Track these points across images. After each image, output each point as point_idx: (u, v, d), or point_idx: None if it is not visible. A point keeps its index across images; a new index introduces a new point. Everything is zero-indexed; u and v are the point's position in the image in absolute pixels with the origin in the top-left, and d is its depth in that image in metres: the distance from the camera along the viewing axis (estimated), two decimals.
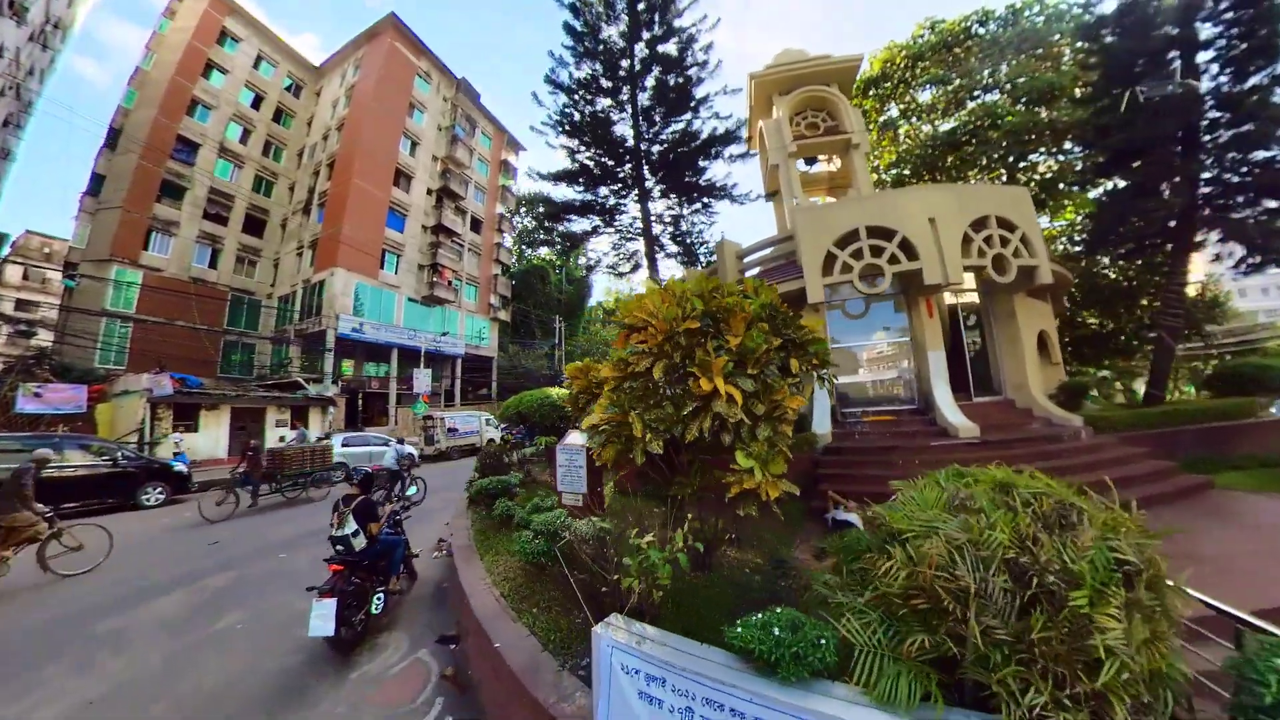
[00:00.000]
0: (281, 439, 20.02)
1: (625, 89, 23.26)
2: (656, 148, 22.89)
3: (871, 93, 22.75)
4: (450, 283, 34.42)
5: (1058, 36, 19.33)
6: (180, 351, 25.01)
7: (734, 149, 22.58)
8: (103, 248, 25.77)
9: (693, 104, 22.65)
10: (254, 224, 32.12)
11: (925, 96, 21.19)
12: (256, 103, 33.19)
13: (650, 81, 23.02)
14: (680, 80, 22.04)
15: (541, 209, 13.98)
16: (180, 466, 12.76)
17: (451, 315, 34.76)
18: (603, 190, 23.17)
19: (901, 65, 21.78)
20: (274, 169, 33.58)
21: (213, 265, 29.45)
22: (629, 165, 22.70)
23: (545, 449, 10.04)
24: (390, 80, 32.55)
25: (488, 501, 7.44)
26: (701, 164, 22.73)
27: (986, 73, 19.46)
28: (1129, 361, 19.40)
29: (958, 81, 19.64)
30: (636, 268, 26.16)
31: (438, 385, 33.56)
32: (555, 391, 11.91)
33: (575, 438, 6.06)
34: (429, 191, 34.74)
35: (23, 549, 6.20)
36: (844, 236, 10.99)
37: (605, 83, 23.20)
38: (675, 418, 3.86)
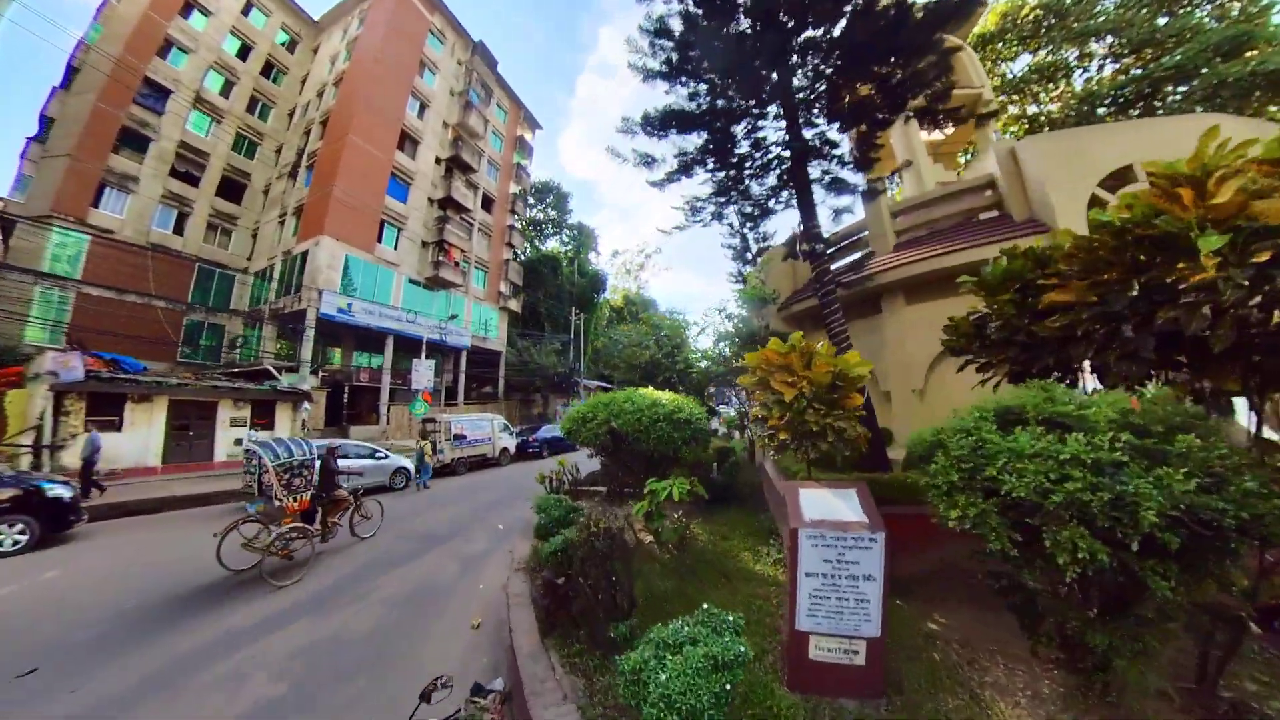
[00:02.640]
0: (238, 443, 15.60)
1: None
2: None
3: (985, 50, 18.79)
4: (458, 264, 30.10)
5: None
6: (134, 329, 20.59)
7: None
8: (43, 202, 21.37)
9: None
10: (232, 188, 27.76)
11: (1099, 46, 16.68)
12: (244, 53, 28.90)
13: None
14: None
15: (642, 122, 8.75)
16: (58, 490, 8.34)
17: (458, 301, 30.42)
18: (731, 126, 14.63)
19: (1032, 16, 17.70)
20: (259, 129, 29.26)
21: (178, 230, 25.02)
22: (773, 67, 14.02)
23: (665, 504, 5.81)
24: (399, 33, 28.37)
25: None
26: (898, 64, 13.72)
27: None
28: None
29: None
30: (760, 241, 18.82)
31: (438, 381, 29.17)
32: (666, 397, 7.62)
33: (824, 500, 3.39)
34: (437, 161, 30.49)
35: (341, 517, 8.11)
36: (1111, 176, 8.25)
37: None
38: None
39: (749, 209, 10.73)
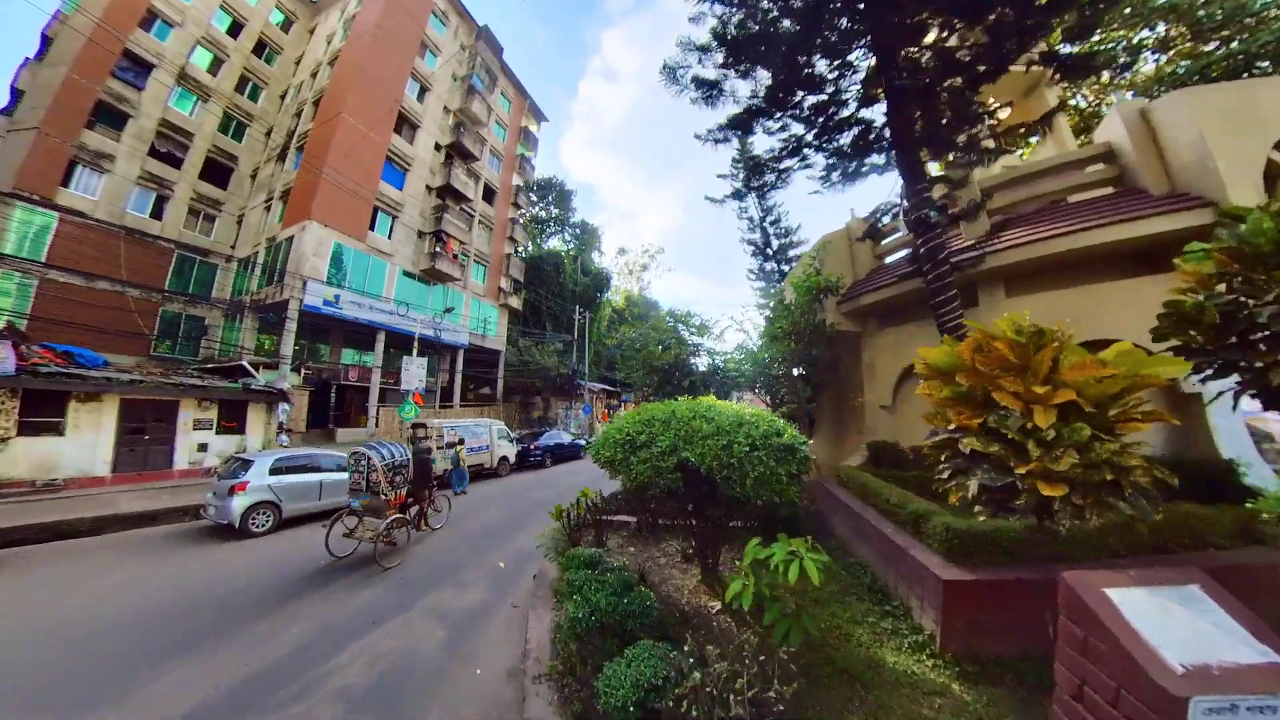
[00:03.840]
0: (203, 448, 13.88)
1: None
2: None
3: None
4: (456, 256, 28.41)
5: None
6: (103, 319, 18.90)
7: None
8: (7, 177, 19.69)
9: None
10: (218, 171, 26.07)
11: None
12: (235, 30, 27.24)
13: None
14: None
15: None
16: None
17: (455, 297, 28.72)
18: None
19: None
20: (249, 110, 27.58)
21: (157, 215, 23.31)
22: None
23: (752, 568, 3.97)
24: (400, 10, 26.72)
25: None
26: None
27: None
28: None
29: None
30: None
31: (432, 381, 27.47)
32: (748, 411, 5.73)
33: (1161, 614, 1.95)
34: (437, 147, 28.83)
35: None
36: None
37: None
38: None
39: (827, 171, 8.99)
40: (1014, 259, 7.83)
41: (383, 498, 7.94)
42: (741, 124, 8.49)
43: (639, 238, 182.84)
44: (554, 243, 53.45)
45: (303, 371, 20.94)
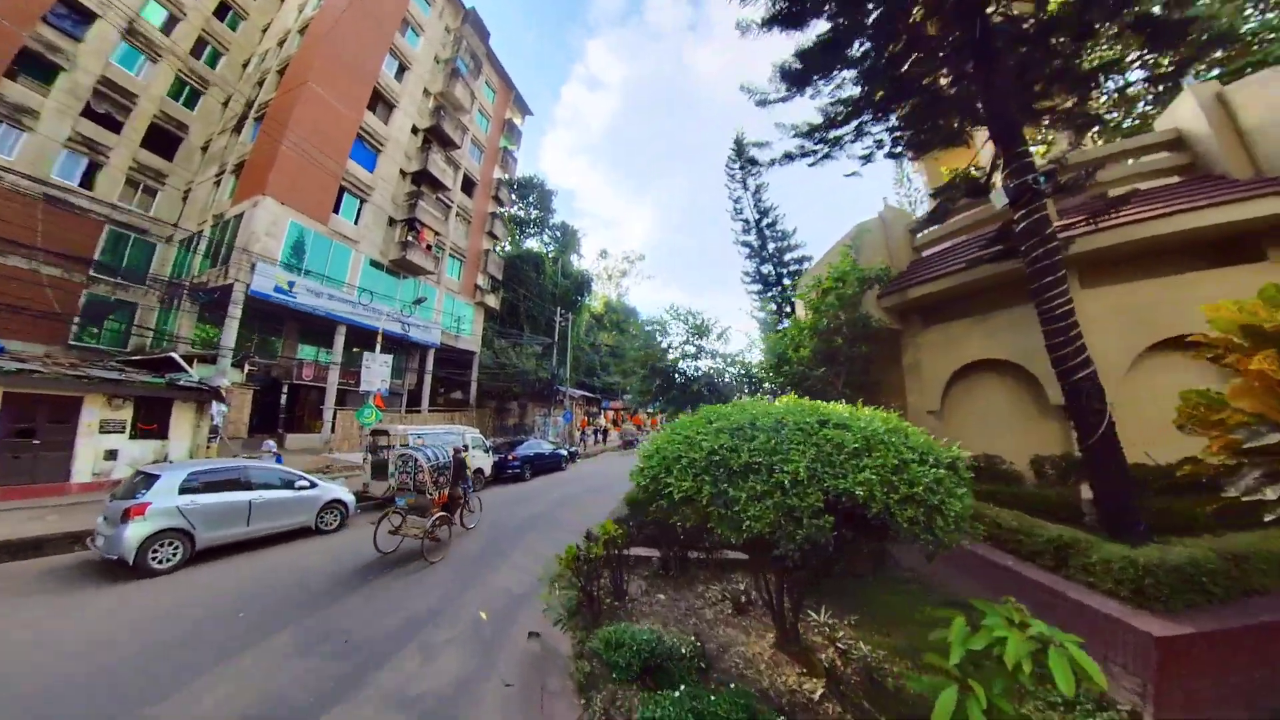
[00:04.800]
0: (111, 455, 11.64)
1: None
2: None
3: None
4: (430, 247, 26.37)
5: None
6: (8, 297, 16.21)
7: None
8: None
9: None
10: (164, 140, 23.42)
11: None
12: None
13: None
14: None
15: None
16: None
17: (428, 291, 26.65)
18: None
19: None
20: (205, 76, 25.01)
21: (87, 183, 20.61)
22: None
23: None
24: None
25: None
26: None
27: None
28: None
29: None
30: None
31: (398, 383, 25.26)
32: (880, 417, 4.23)
33: None
34: (414, 130, 26.84)
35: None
36: None
37: None
38: None
39: (892, 140, 8.14)
40: (1102, 243, 7.16)
41: (428, 496, 8.40)
42: (807, 67, 7.45)
43: (618, 247, 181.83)
44: (533, 244, 51.59)
45: (247, 368, 18.59)
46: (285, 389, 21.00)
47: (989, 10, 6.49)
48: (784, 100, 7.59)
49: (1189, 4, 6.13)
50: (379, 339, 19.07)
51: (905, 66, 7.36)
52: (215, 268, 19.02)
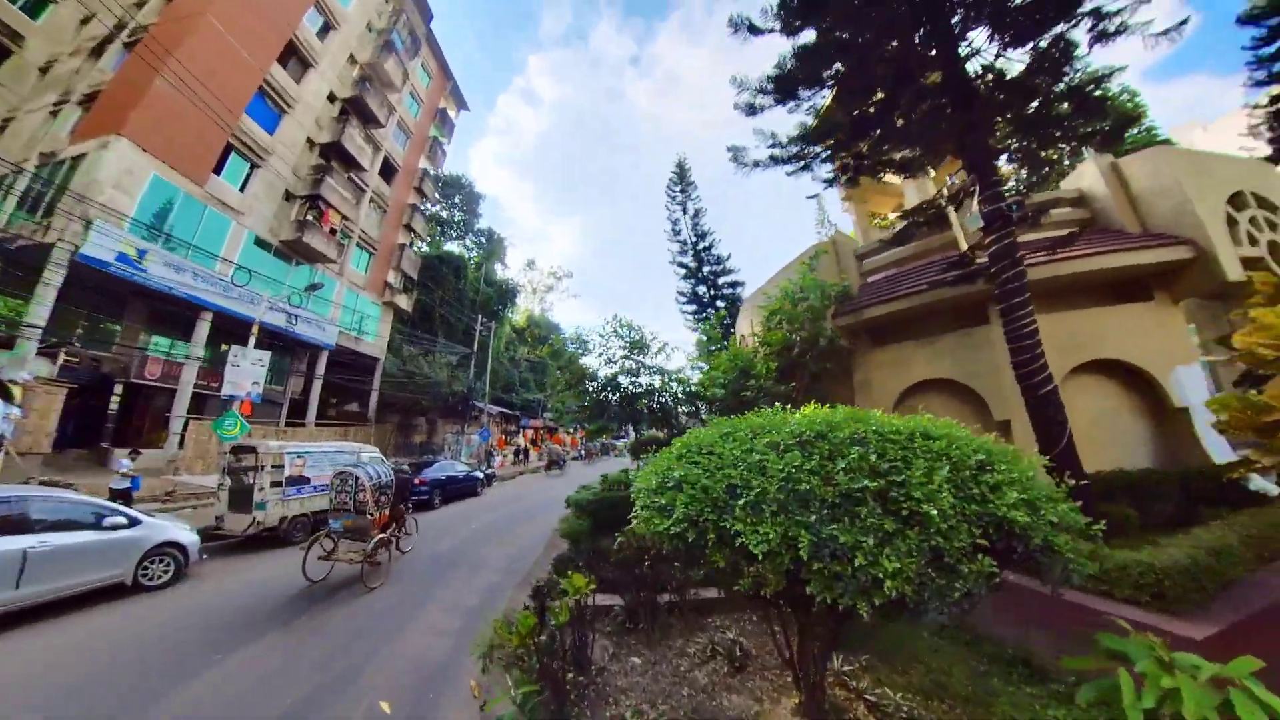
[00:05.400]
0: None
1: None
2: None
3: None
4: (334, 232, 22.72)
5: None
6: None
7: None
8: None
9: None
10: None
11: None
12: None
13: None
14: None
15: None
16: None
17: (327, 283, 22.87)
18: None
19: None
20: None
21: None
22: None
23: None
24: None
25: None
26: None
27: None
28: None
29: None
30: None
31: (278, 390, 21.03)
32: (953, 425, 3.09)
33: None
34: (332, 98, 23.32)
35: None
36: (1232, 199, 8.58)
37: None
38: None
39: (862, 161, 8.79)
40: (1035, 276, 7.98)
41: (369, 518, 7.98)
42: (792, 78, 7.89)
43: (544, 262, 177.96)
44: (454, 247, 47.92)
45: (62, 358, 14.12)
46: (119, 389, 16.27)
47: (968, 64, 7.38)
48: (768, 109, 8.21)
49: (1104, 81, 7.04)
50: (254, 332, 15.47)
51: (894, 112, 8.06)
52: (34, 220, 14.40)
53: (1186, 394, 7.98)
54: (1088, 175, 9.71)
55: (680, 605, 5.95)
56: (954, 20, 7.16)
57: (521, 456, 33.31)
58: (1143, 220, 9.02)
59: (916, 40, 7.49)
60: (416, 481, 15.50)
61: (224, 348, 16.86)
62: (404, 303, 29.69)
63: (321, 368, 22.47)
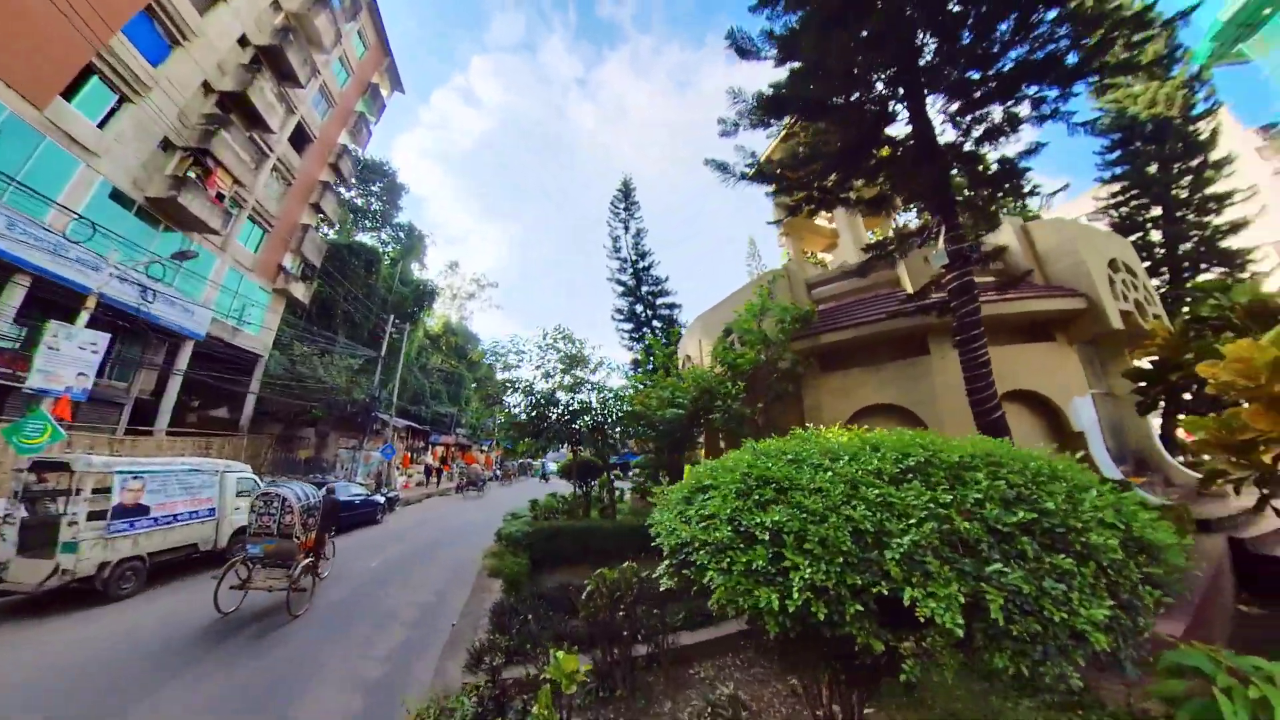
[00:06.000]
0: None
1: None
2: None
3: None
4: (221, 198, 18.79)
5: None
6: None
7: None
8: None
9: None
10: None
11: None
12: None
13: None
14: None
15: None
16: None
17: (205, 258, 18.74)
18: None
19: None
20: None
21: None
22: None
23: None
24: None
25: None
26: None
27: None
28: None
29: None
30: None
31: (119, 385, 16.52)
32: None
33: None
34: (243, 43, 19.59)
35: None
36: (1110, 263, 10.35)
37: None
38: None
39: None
40: (989, 314, 8.88)
41: (295, 541, 7.74)
42: (776, 104, 8.57)
43: (467, 268, 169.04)
44: (368, 239, 43.11)
45: None
46: None
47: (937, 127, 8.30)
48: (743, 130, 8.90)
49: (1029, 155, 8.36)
50: (89, 306, 11.77)
51: (865, 160, 8.97)
52: None
53: (1082, 420, 9.21)
54: (1005, 233, 11.14)
55: (660, 657, 5.15)
56: (925, 96, 8.20)
57: (430, 476, 29.67)
58: (1045, 275, 10.52)
59: (889, 108, 8.50)
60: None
61: (37, 319, 12.67)
62: (301, 292, 25.41)
63: (184, 361, 18.08)
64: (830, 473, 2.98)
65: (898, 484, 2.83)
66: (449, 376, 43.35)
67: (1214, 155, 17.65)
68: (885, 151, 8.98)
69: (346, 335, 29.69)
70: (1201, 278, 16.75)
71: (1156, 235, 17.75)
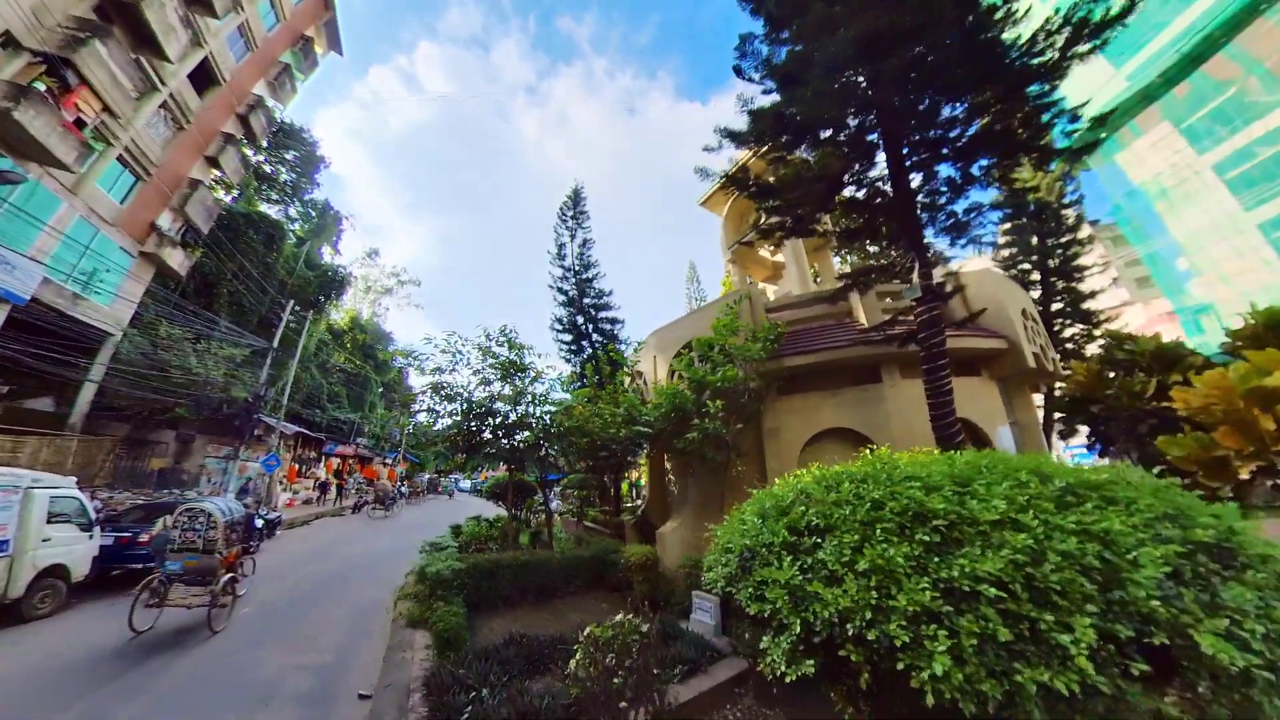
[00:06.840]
0: None
1: None
2: None
3: None
4: (81, 124, 14.68)
5: None
6: None
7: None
8: None
9: None
10: None
11: None
12: None
13: None
14: None
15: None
16: None
17: (44, 198, 14.42)
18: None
19: None
20: None
21: None
22: None
23: None
24: None
25: None
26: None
27: None
28: None
29: None
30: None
31: None
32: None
33: None
34: None
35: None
36: (1023, 311, 11.27)
37: None
38: None
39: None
40: (910, 350, 9.36)
41: (217, 556, 7.77)
42: (760, 126, 9.17)
43: (387, 259, 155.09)
44: (273, 211, 37.43)
45: None
46: None
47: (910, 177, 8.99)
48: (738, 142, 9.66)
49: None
50: None
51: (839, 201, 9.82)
52: None
53: (1005, 445, 10.03)
54: (938, 277, 12.23)
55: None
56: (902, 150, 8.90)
57: (322, 492, 25.23)
58: (975, 318, 11.41)
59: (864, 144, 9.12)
60: (139, 539, 9.55)
61: None
62: (177, 261, 20.69)
63: None
64: (1001, 501, 2.76)
65: (1061, 509, 2.75)
66: (352, 378, 38.28)
67: (1080, 234, 21.55)
68: (862, 195, 9.84)
69: (232, 320, 24.78)
70: (1068, 331, 20.63)
71: (1035, 293, 20.96)
